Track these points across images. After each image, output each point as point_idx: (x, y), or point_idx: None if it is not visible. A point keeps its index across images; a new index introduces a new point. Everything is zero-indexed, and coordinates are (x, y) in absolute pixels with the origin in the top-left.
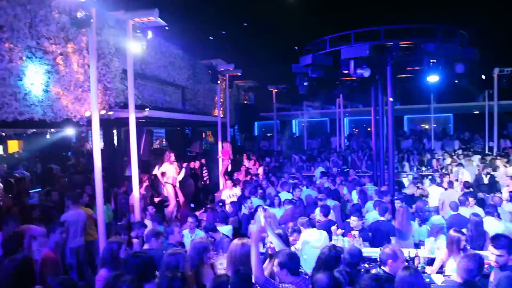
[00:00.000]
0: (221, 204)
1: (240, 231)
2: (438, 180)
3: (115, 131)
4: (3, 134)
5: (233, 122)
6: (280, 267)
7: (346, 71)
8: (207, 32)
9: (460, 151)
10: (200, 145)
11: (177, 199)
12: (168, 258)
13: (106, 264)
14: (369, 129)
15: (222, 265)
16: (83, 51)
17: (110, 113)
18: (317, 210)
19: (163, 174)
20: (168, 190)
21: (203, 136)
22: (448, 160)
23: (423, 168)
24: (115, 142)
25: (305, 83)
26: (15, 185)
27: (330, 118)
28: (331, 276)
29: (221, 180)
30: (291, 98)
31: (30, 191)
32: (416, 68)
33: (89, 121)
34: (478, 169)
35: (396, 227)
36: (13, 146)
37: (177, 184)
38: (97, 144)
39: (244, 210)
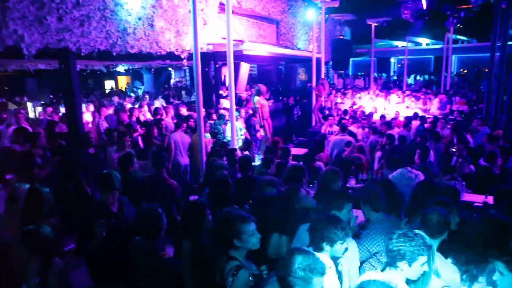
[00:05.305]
0: (323, 138)
1: None
2: None
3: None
4: (115, 68)
5: (327, 58)
6: None
7: None
8: None
9: None
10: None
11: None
12: None
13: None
14: (486, 69)
15: None
16: None
17: (210, 47)
18: None
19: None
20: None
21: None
22: None
23: None
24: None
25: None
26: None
27: (435, 55)
28: None
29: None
30: (391, 33)
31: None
32: None
33: (190, 55)
34: None
35: None
36: (122, 81)
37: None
38: (199, 77)
39: None
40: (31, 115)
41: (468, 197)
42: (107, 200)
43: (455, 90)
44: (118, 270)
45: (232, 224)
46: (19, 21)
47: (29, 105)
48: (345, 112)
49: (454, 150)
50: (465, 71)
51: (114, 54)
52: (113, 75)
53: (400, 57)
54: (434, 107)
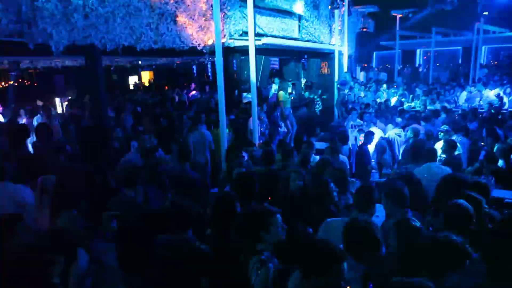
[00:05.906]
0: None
1: None
2: None
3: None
4: (140, 62)
5: (350, 51)
6: None
7: None
8: None
9: None
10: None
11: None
12: None
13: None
14: None
15: None
16: None
17: (230, 41)
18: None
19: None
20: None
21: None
22: None
23: None
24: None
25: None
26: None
27: (463, 47)
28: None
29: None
30: (417, 24)
31: None
32: None
33: (211, 50)
34: None
35: None
36: (146, 76)
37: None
38: (220, 71)
39: None
40: (59, 110)
41: (499, 193)
42: (130, 193)
43: (485, 82)
44: (141, 259)
45: (260, 217)
46: (48, 20)
47: (57, 100)
48: (368, 105)
49: (482, 144)
50: (496, 62)
51: (138, 49)
52: (137, 71)
53: (426, 49)
54: (462, 100)
